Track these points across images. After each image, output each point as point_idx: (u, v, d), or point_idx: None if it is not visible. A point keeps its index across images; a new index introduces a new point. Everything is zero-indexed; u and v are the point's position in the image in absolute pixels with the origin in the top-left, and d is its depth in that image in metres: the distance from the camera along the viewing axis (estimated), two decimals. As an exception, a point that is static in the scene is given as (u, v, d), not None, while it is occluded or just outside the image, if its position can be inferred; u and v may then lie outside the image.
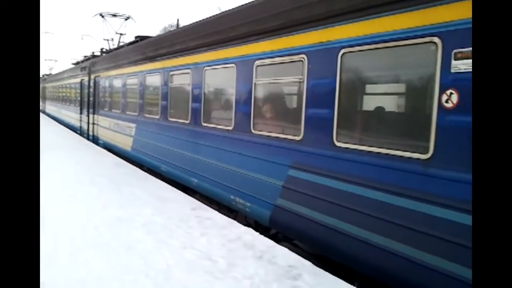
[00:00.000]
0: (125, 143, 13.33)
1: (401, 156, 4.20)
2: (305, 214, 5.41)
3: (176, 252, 5.34)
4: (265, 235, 6.10)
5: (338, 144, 4.96)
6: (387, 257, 4.28)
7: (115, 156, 13.87)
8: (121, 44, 21.41)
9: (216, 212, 7.31)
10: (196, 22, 9.19)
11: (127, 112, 13.19)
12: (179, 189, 9.08)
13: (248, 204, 6.66)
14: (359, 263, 4.68)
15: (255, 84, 6.57)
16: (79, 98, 21.51)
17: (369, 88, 5.05)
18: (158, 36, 13.38)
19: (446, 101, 3.78)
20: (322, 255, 5.48)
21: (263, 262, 5.11)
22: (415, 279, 4.04)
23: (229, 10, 7.79)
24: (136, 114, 12.28)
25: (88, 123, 19.12)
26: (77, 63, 27.33)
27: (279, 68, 6.13)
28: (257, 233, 6.08)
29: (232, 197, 7.11)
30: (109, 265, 4.86)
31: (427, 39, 3.96)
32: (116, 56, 15.47)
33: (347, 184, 4.79)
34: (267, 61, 6.28)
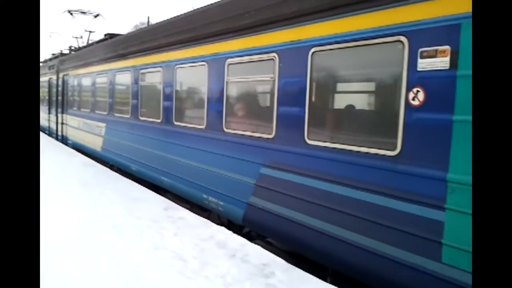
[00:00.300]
0: (95, 143, 13.02)
1: (371, 153, 4.27)
2: (278, 211, 5.43)
3: (147, 252, 5.25)
4: (238, 234, 6.09)
5: (309, 142, 5.00)
6: (358, 253, 4.35)
7: (85, 156, 13.54)
8: (90, 42, 20.91)
9: (189, 211, 7.24)
10: (168, 19, 9.07)
11: (97, 111, 12.89)
12: (150, 189, 8.94)
13: (221, 203, 6.63)
14: (331, 259, 4.74)
15: (227, 82, 6.55)
16: (47, 98, 20.88)
17: (339, 86, 5.12)
18: (129, 33, 13.14)
19: (413, 99, 3.87)
20: (295, 252, 5.52)
21: (236, 260, 5.10)
22: (385, 274, 4.12)
23: (201, 7, 7.73)
24: (106, 113, 12.03)
25: (57, 123, 18.60)
26: (45, 61, 26.49)
27: (251, 67, 6.12)
28: (230, 232, 6.06)
29: (204, 196, 7.06)
30: (78, 267, 4.73)
31: (394, 38, 4.04)
32: (85, 54, 15.10)
33: (319, 182, 4.84)
34: (239, 59, 6.26)
